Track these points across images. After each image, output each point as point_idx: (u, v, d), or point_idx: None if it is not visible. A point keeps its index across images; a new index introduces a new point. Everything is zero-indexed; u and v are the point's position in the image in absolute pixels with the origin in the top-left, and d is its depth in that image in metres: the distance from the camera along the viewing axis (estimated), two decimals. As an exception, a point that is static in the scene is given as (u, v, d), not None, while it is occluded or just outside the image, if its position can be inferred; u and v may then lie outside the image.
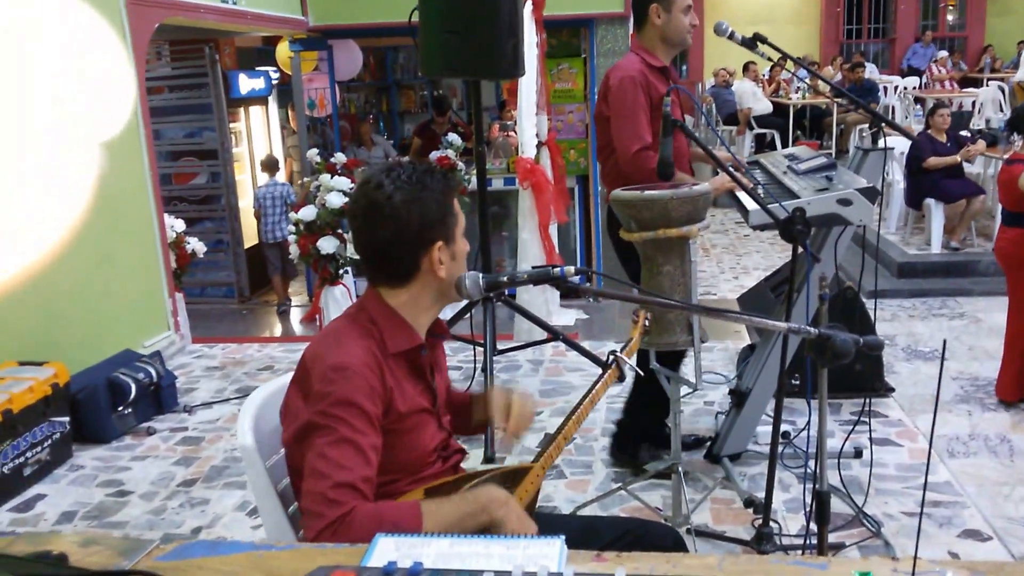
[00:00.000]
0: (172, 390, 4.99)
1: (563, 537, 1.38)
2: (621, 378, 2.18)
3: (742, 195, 3.58)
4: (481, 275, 1.88)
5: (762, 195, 3.55)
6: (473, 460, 4.01)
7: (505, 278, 1.88)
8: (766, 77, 13.35)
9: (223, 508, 3.80)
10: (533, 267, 1.91)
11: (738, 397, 3.83)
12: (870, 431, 3.99)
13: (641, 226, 2.98)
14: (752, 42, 3.55)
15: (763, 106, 12.26)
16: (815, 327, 1.91)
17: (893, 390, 4.66)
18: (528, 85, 5.69)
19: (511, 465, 1.93)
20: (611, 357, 2.19)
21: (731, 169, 3.65)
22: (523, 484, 1.84)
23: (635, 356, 2.50)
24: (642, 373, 2.20)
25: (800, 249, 3.15)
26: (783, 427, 3.45)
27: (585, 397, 2.04)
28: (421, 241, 1.81)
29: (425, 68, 4.46)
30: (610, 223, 3.83)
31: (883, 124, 3.43)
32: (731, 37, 3.56)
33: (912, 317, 6.13)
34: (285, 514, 1.92)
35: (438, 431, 1.94)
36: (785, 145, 11.46)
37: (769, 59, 3.45)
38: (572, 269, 1.86)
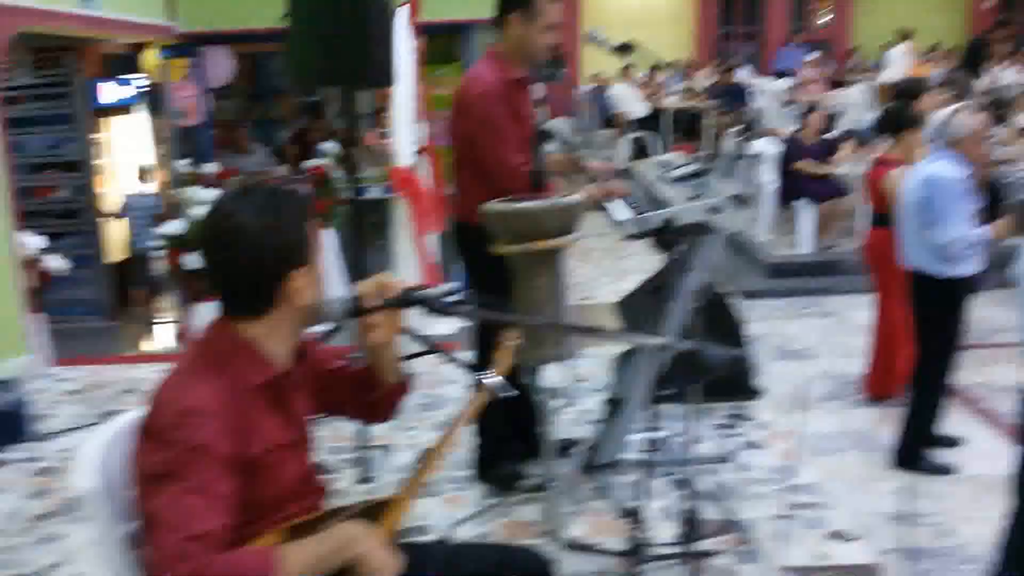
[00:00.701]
0: (27, 418, 4.70)
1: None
2: (494, 399, 2.14)
3: (615, 204, 3.60)
4: (346, 298, 1.82)
5: (634, 204, 3.58)
6: (348, 480, 3.94)
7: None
8: (644, 79, 13.58)
9: (80, 543, 3.60)
10: (405, 289, 1.86)
11: (613, 405, 3.84)
12: (739, 435, 4.08)
13: (514, 239, 2.96)
14: (623, 49, 3.57)
15: (640, 109, 12.48)
16: (686, 339, 1.91)
17: (763, 392, 4.76)
18: (404, 93, 5.61)
19: (376, 497, 1.87)
20: (478, 380, 2.15)
21: (604, 178, 3.68)
22: (389, 515, 1.79)
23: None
24: (516, 393, 2.16)
25: (673, 258, 3.20)
26: (656, 434, 3.48)
27: (452, 423, 1.99)
28: (280, 268, 1.73)
29: (294, 77, 4.35)
30: (462, 238, 3.72)
31: (751, 127, 3.51)
32: (602, 44, 3.57)
33: (783, 317, 6.30)
34: (130, 562, 1.81)
35: (301, 464, 1.86)
36: (664, 148, 11.68)
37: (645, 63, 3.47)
38: (442, 289, 1.82)
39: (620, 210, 3.56)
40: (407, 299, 1.83)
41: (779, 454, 4.11)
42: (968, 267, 3.73)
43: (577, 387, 4.83)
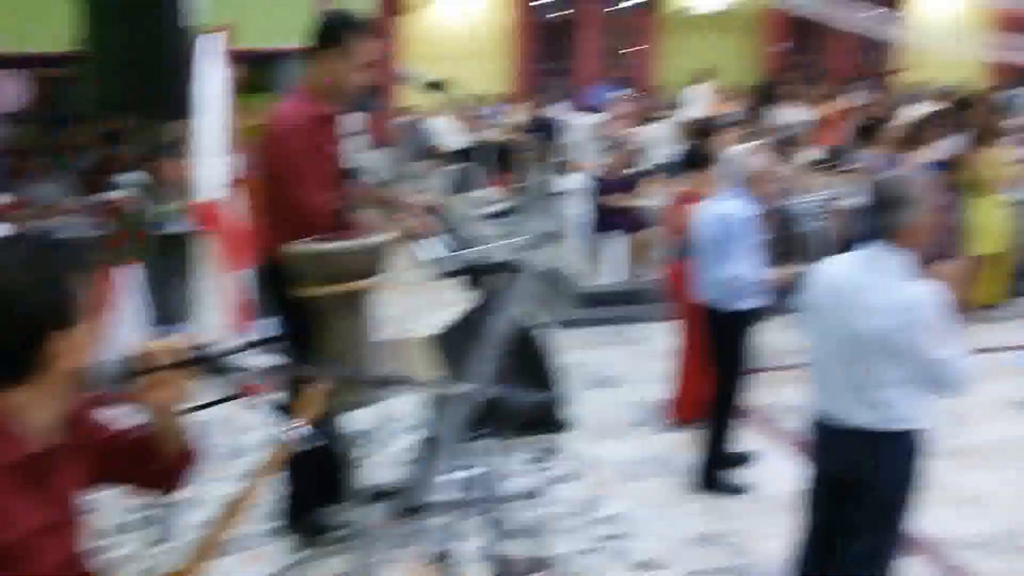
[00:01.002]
0: None
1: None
2: (300, 448, 2.07)
3: (426, 242, 3.60)
4: (119, 359, 1.69)
5: (446, 242, 3.59)
6: (140, 543, 3.68)
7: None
8: (462, 112, 13.71)
9: None
10: (192, 347, 1.73)
11: (428, 444, 3.80)
12: (549, 468, 4.13)
13: (318, 281, 2.90)
14: (434, 86, 3.59)
15: (458, 141, 12.59)
16: (494, 383, 1.92)
17: (571, 425, 4.83)
18: (214, 123, 5.42)
19: (159, 573, 1.74)
20: (283, 429, 2.08)
21: (417, 213, 3.67)
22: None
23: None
24: (322, 442, 2.10)
25: (484, 297, 3.23)
26: (469, 472, 3.48)
27: (254, 475, 1.90)
28: (38, 332, 1.53)
29: (89, 106, 4.13)
30: (268, 278, 3.58)
31: (563, 161, 3.61)
32: (413, 81, 3.58)
33: (592, 346, 6.46)
34: None
35: (65, 548, 1.67)
36: (481, 181, 11.79)
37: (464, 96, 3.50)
38: (232, 345, 1.75)
39: (431, 248, 3.56)
40: (190, 359, 1.69)
41: (588, 485, 4.20)
42: (753, 301, 3.97)
43: (390, 427, 4.76)
